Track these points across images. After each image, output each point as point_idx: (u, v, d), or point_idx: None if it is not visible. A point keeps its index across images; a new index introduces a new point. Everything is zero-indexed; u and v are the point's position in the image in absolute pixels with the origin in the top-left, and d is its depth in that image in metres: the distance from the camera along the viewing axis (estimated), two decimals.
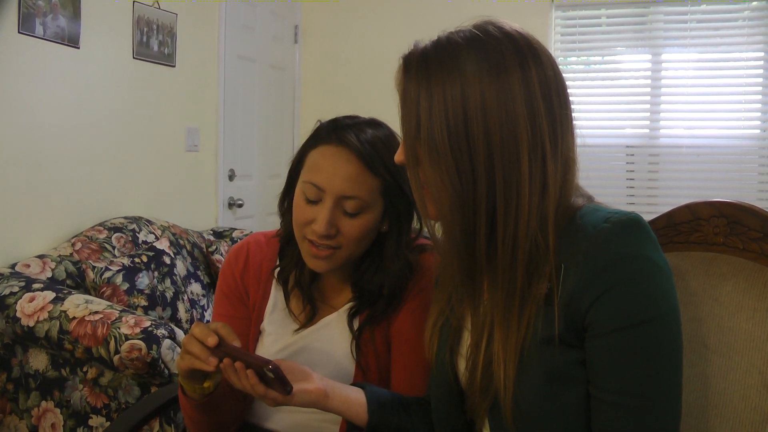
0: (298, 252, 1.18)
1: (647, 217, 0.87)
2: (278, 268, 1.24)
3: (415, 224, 1.19)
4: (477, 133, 0.81)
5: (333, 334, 1.20)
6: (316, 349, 1.20)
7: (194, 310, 2.63)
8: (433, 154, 0.83)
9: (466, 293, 0.91)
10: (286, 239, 1.23)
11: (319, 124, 1.18)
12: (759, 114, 3.68)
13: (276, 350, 1.20)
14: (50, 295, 2.01)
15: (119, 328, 1.88)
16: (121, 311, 1.96)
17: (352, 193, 1.09)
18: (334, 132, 1.12)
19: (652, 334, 0.79)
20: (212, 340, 0.95)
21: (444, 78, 0.83)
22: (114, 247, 2.50)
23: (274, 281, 1.24)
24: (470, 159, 0.81)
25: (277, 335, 1.22)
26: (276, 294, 1.24)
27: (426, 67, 0.84)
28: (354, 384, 1.07)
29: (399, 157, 0.90)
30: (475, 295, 0.91)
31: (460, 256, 0.86)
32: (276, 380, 0.92)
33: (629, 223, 0.80)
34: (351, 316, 1.19)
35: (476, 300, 0.91)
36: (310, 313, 1.21)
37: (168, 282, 2.51)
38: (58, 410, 2.03)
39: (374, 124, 1.16)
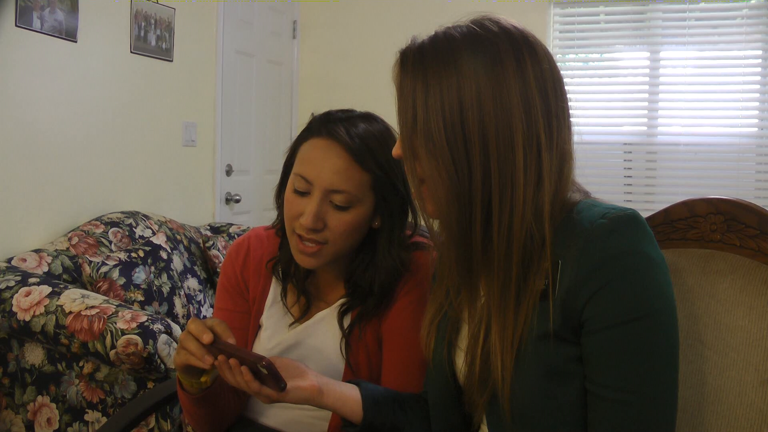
0: None
1: (644, 214, 0.87)
2: (274, 260, 1.23)
3: (410, 221, 1.18)
4: (472, 125, 0.81)
5: (326, 330, 1.20)
6: (309, 344, 1.20)
7: (191, 306, 2.63)
8: (430, 146, 0.83)
9: (464, 286, 0.91)
10: (282, 232, 1.22)
11: (312, 116, 1.18)
12: (756, 112, 3.68)
13: (271, 346, 1.20)
14: (46, 289, 2.01)
15: (115, 323, 1.87)
16: (117, 306, 1.95)
17: (340, 187, 1.08)
18: (325, 125, 1.12)
19: (649, 330, 0.79)
20: (207, 338, 0.95)
21: (440, 71, 0.83)
22: (111, 242, 2.49)
23: (274, 275, 1.24)
24: (466, 150, 0.82)
25: (274, 330, 1.22)
26: (275, 288, 1.24)
27: (422, 61, 0.85)
28: (349, 381, 1.07)
29: (396, 151, 0.91)
30: (473, 289, 0.91)
31: (457, 249, 0.86)
32: (270, 377, 0.92)
33: (626, 219, 0.80)
34: (342, 313, 1.18)
35: (474, 293, 0.91)
36: (303, 307, 1.21)
37: (164, 277, 2.50)
38: (54, 405, 2.03)
39: (368, 118, 1.15)
